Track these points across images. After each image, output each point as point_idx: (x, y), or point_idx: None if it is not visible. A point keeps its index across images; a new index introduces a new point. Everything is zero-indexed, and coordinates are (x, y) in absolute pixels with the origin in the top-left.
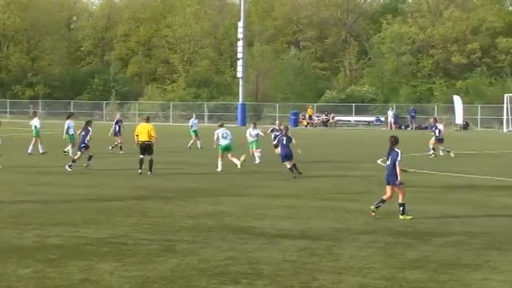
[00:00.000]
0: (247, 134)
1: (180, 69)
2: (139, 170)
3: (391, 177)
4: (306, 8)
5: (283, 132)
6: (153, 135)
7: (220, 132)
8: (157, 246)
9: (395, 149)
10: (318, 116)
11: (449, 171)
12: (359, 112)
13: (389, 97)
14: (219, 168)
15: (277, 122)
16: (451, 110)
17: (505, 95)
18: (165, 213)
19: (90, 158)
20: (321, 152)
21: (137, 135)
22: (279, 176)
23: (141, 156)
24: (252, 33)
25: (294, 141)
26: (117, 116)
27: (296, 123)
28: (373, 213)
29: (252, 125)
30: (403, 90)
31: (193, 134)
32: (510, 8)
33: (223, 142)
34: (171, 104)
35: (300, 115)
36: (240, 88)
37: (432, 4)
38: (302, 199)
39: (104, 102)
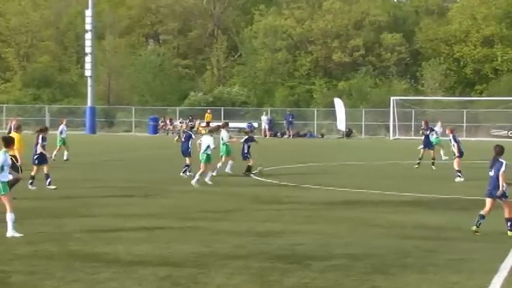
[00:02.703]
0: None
1: (15, 65)
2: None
3: (495, 190)
4: None
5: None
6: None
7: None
8: None
9: (500, 159)
10: (181, 122)
11: (333, 185)
12: (229, 117)
13: (263, 100)
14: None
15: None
16: (333, 115)
17: (391, 98)
18: None
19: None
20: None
21: None
22: (135, 191)
23: None
24: (103, 24)
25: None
26: None
27: (155, 130)
28: (477, 233)
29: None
30: (279, 92)
31: (60, 143)
32: (395, 0)
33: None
34: (4, 107)
35: (160, 121)
36: (89, 89)
37: None
38: (162, 219)
39: None
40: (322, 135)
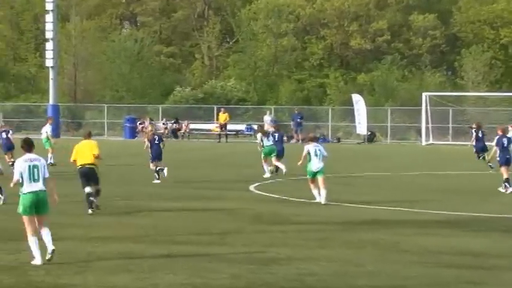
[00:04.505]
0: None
1: None
2: (90, 211)
3: None
4: None
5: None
6: (94, 152)
7: (312, 148)
8: None
9: None
10: (164, 124)
11: (352, 200)
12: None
13: (266, 96)
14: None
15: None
16: (351, 115)
17: (424, 94)
18: None
19: None
20: (169, 174)
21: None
22: (108, 209)
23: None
24: (67, 3)
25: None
26: None
27: (133, 133)
28: None
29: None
30: (285, 87)
31: (49, 145)
32: None
33: (315, 165)
34: None
35: (139, 122)
36: (51, 83)
37: None
38: (143, 243)
39: None
40: (339, 140)
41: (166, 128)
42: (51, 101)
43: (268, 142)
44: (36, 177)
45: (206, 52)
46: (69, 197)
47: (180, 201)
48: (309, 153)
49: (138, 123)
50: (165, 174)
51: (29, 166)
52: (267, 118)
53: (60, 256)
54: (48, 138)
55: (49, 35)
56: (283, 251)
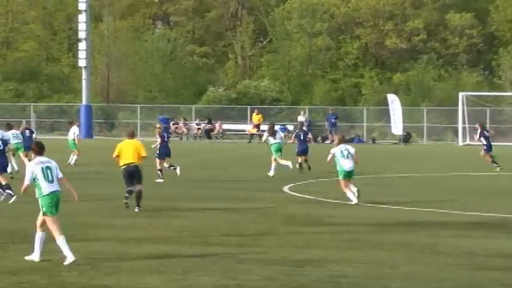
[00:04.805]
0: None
1: None
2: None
3: None
4: None
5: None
6: (142, 154)
7: (338, 149)
8: None
9: None
10: (198, 124)
11: (386, 201)
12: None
13: (300, 96)
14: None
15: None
16: (386, 115)
17: (460, 94)
18: None
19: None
20: (203, 175)
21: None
22: (145, 211)
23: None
24: (100, 3)
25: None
26: None
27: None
28: None
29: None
30: (319, 87)
31: (74, 147)
32: None
33: (347, 165)
34: None
35: (172, 123)
36: (84, 83)
37: None
38: (176, 244)
39: None
40: (374, 140)
41: (199, 129)
42: (84, 101)
43: (274, 140)
44: (50, 179)
45: (239, 52)
46: (103, 199)
47: (213, 202)
48: (335, 156)
49: (171, 124)
50: (179, 173)
51: (42, 168)
52: (301, 118)
53: (93, 257)
54: (74, 140)
55: (82, 35)
56: (317, 253)
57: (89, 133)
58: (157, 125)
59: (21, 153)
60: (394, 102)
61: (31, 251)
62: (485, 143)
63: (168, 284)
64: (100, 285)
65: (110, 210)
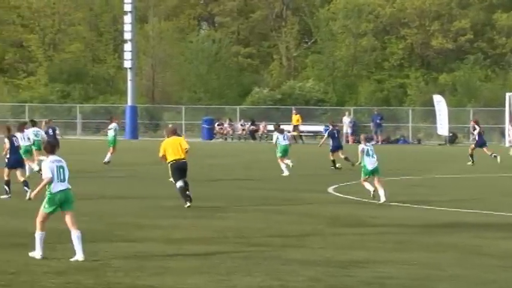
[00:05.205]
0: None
1: (39, 56)
2: (188, 203)
3: None
4: None
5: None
6: (185, 146)
7: (366, 147)
8: None
9: None
10: (242, 125)
11: (432, 202)
12: (302, 118)
13: (345, 97)
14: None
15: None
16: (432, 116)
17: (507, 94)
18: (19, 267)
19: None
20: (246, 175)
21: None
22: (185, 211)
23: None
24: (146, 5)
25: None
26: None
27: (210, 134)
28: None
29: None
30: (364, 88)
31: (112, 144)
32: None
33: (370, 163)
34: (26, 106)
35: (217, 124)
36: (129, 84)
37: None
38: (220, 244)
39: None
40: (419, 141)
41: (244, 129)
42: (129, 102)
43: (284, 141)
44: (62, 177)
45: (284, 52)
46: (148, 199)
47: (257, 203)
48: (362, 152)
49: (216, 125)
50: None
51: (57, 167)
52: (346, 119)
53: (138, 257)
54: (114, 137)
55: (127, 36)
56: (361, 254)
57: (134, 134)
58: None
59: (34, 151)
60: (440, 103)
61: (31, 248)
62: (477, 139)
63: (212, 285)
64: (145, 286)
65: (155, 211)
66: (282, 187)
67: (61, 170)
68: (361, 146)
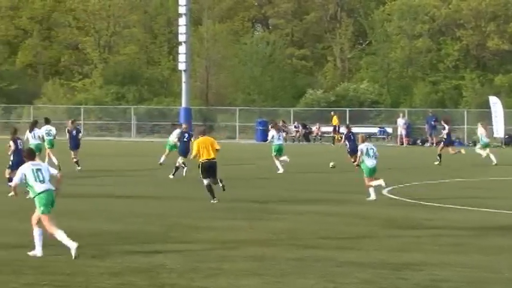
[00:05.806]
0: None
1: (95, 58)
2: (214, 200)
3: None
4: None
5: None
6: (216, 147)
7: (364, 147)
8: None
9: None
10: (296, 127)
11: (487, 205)
12: (356, 120)
13: (399, 99)
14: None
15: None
16: (488, 118)
17: None
18: (74, 268)
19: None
20: (299, 178)
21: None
22: (240, 213)
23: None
24: (200, 7)
25: None
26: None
27: (264, 136)
28: None
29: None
30: (419, 89)
31: (168, 148)
32: None
33: (370, 163)
34: (82, 109)
35: (270, 125)
36: (183, 86)
37: None
38: (274, 246)
39: None
40: (474, 143)
41: (297, 131)
42: (183, 104)
43: (278, 141)
44: (41, 179)
45: (338, 54)
46: (199, 201)
47: (311, 205)
48: (362, 152)
49: (270, 126)
50: (184, 173)
51: (32, 169)
52: (401, 121)
53: (193, 259)
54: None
55: (182, 38)
56: (416, 256)
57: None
58: (184, 126)
59: (47, 150)
60: (495, 105)
61: (32, 248)
62: (445, 137)
63: (266, 287)
64: (199, 287)
65: (209, 212)
66: (335, 189)
67: (38, 172)
68: (361, 146)
